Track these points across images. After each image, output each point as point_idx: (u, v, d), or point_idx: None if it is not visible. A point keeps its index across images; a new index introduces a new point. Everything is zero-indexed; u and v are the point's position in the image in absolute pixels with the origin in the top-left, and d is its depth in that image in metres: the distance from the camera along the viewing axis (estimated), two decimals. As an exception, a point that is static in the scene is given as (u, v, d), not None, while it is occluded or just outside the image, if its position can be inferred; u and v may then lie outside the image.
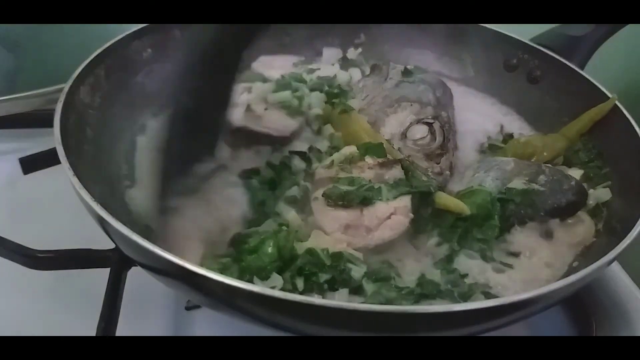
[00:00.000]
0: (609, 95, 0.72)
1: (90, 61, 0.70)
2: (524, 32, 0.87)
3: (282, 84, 0.78)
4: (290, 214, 0.60)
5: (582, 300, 0.67)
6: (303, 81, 0.82)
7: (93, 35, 0.79)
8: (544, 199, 0.63)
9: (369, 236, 0.58)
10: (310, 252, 0.55)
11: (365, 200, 0.59)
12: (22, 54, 0.95)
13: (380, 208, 0.59)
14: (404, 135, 0.70)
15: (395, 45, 0.93)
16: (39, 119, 0.85)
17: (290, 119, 0.72)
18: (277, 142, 0.70)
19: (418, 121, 0.70)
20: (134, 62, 0.79)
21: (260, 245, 0.54)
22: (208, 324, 0.64)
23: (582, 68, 0.81)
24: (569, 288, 0.48)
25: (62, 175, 0.53)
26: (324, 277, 0.53)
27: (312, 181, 0.65)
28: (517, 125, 0.83)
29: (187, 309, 0.65)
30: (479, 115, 0.84)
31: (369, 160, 0.64)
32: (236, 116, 0.71)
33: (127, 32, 0.77)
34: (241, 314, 0.48)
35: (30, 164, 0.73)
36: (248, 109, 0.72)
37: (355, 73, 0.88)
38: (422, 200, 0.62)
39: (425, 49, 0.94)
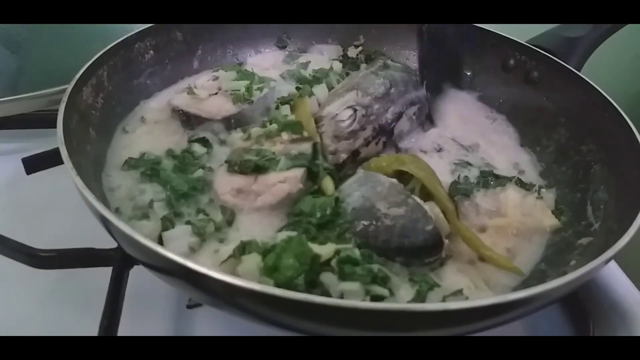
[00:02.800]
0: (606, 95, 0.72)
1: (93, 62, 0.70)
2: (521, 34, 0.87)
3: (246, 75, 0.79)
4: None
5: (580, 300, 0.67)
6: (303, 78, 0.83)
7: (95, 36, 0.80)
8: (391, 232, 0.58)
9: (254, 200, 0.62)
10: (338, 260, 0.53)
11: (258, 169, 0.64)
12: (24, 55, 0.95)
13: (272, 177, 0.63)
14: (336, 116, 0.73)
15: (393, 47, 0.94)
16: (41, 120, 0.86)
17: (230, 104, 0.74)
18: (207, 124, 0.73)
19: (350, 106, 0.73)
20: (137, 64, 0.79)
21: (278, 261, 0.51)
22: (209, 322, 0.65)
23: (579, 69, 0.81)
24: (566, 287, 0.48)
25: (64, 175, 0.54)
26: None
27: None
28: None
29: (189, 307, 0.66)
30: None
31: (284, 136, 0.69)
32: (178, 98, 0.76)
33: (130, 34, 0.78)
34: (242, 312, 0.49)
35: (33, 164, 0.73)
36: (190, 91, 0.76)
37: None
38: (312, 177, 0.65)
39: (423, 51, 0.95)
